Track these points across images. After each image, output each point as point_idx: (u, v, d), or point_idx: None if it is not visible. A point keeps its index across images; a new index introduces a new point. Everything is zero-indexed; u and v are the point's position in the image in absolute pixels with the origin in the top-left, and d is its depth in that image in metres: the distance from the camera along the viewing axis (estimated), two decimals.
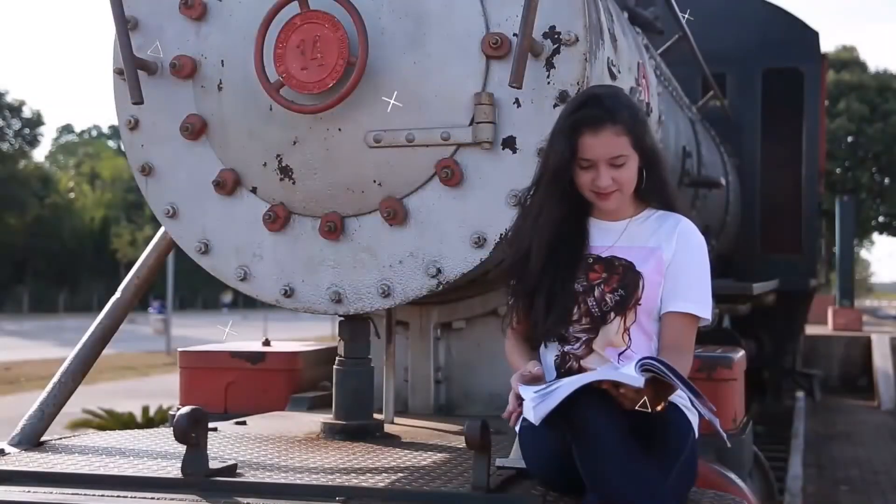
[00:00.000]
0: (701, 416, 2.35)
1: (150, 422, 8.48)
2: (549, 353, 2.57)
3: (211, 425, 2.96)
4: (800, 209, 9.65)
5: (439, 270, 3.16)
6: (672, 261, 2.53)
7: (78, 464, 2.88)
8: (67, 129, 75.21)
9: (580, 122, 2.47)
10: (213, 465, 2.69)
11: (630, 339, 2.50)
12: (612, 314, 2.50)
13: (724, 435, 2.30)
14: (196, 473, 2.65)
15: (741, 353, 3.75)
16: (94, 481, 2.70)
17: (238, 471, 2.74)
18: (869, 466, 9.14)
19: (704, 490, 2.66)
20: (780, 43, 9.26)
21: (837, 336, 16.68)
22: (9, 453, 3.07)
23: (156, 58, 3.41)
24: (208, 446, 2.71)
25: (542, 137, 2.91)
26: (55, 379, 3.42)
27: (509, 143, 3.06)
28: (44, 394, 3.38)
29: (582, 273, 2.53)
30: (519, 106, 3.05)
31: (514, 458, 2.66)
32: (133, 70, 3.29)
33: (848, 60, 36.50)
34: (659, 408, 2.30)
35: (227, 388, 4.22)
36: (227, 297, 51.40)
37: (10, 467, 2.84)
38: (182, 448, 2.66)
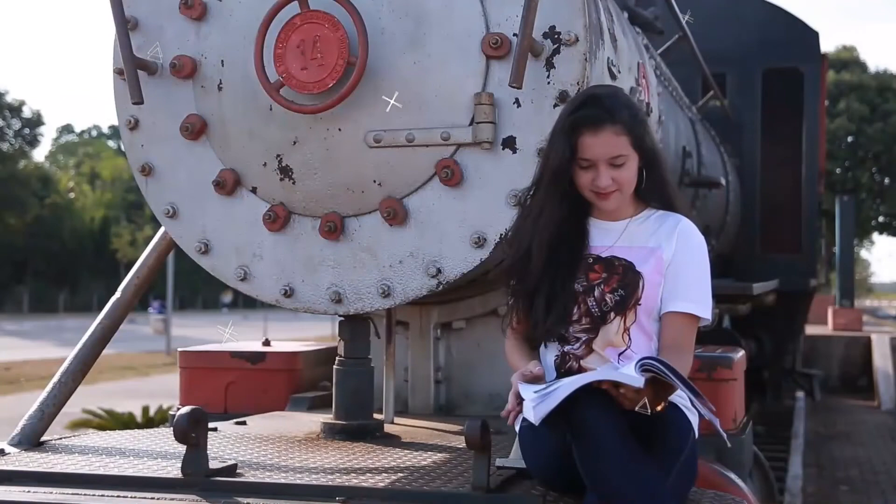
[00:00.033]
0: (701, 416, 2.35)
1: (150, 422, 8.48)
2: (549, 353, 2.57)
3: (211, 425, 2.96)
4: (800, 209, 9.65)
5: (439, 270, 3.16)
6: (672, 261, 2.53)
7: (78, 464, 2.88)
8: (67, 129, 75.31)
9: (580, 122, 2.47)
10: (213, 465, 2.69)
11: (630, 339, 2.50)
12: (612, 314, 2.50)
13: (724, 435, 2.31)
14: (196, 473, 2.65)
15: (741, 353, 3.75)
16: (94, 481, 2.70)
17: (238, 471, 2.74)
18: (869, 466, 9.14)
19: (704, 490, 2.66)
20: (780, 43, 9.26)
21: (837, 336, 16.67)
22: (9, 453, 3.07)
23: (156, 58, 3.42)
24: (208, 446, 2.71)
25: (542, 137, 2.91)
26: (55, 379, 3.42)
27: (509, 143, 3.06)
28: (44, 394, 3.38)
29: (582, 273, 2.53)
30: (519, 106, 3.05)
31: (514, 458, 2.66)
32: (133, 70, 3.29)
33: (848, 60, 36.52)
34: (659, 408, 2.30)
35: (227, 388, 4.22)
36: (227, 297, 51.46)
37: (10, 467, 2.84)
38: (182, 448, 2.66)
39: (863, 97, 34.90)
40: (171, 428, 2.72)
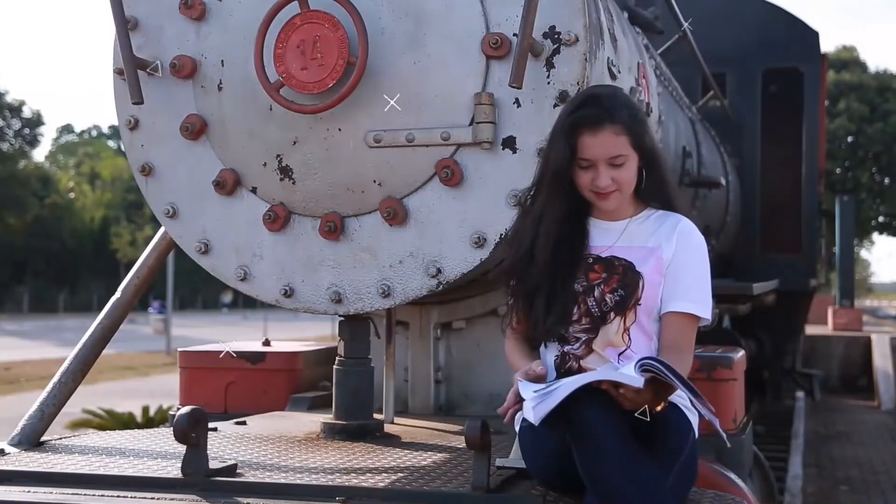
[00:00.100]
0: (701, 416, 2.35)
1: (150, 422, 8.48)
2: (549, 354, 2.57)
3: (211, 425, 2.96)
4: (800, 209, 9.66)
5: (439, 270, 3.16)
6: (672, 261, 2.53)
7: (78, 464, 2.88)
8: (67, 129, 75.28)
9: (579, 122, 2.47)
10: (213, 465, 2.69)
11: (630, 339, 2.50)
12: (612, 314, 2.50)
13: (724, 435, 2.30)
14: (196, 473, 2.65)
15: (741, 353, 3.74)
16: (94, 481, 2.70)
17: (238, 471, 2.74)
18: (869, 466, 9.14)
19: (704, 490, 2.66)
20: (780, 43, 9.26)
21: (837, 336, 16.67)
22: (9, 453, 3.07)
23: (156, 58, 3.42)
24: (208, 446, 2.71)
25: (542, 137, 2.91)
26: (55, 379, 3.42)
27: (509, 143, 3.06)
28: (44, 394, 3.38)
29: (582, 273, 2.53)
30: (519, 106, 3.06)
31: (514, 458, 2.66)
32: (133, 70, 3.29)
33: (848, 60, 36.53)
34: (658, 408, 2.30)
35: (227, 388, 4.22)
36: (227, 297, 51.45)
37: (10, 467, 2.84)
38: (182, 448, 2.66)
39: (863, 97, 34.91)
40: (171, 428, 2.72)
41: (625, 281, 2.51)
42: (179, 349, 4.47)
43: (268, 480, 2.66)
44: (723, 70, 8.67)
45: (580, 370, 2.48)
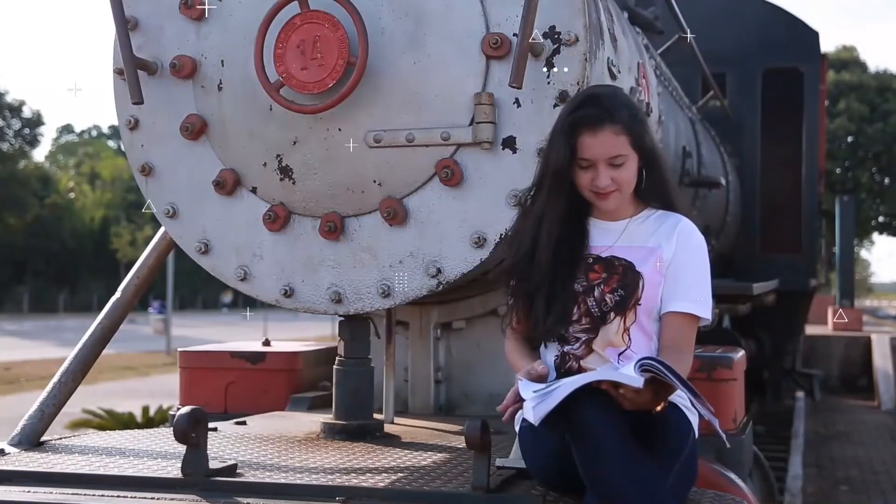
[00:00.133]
0: (701, 415, 2.35)
1: (150, 422, 8.47)
2: (549, 354, 2.57)
3: (211, 425, 2.96)
4: (799, 209, 9.66)
5: (439, 270, 3.16)
6: (672, 260, 2.53)
7: (78, 464, 2.88)
8: (67, 129, 75.25)
9: (579, 122, 2.47)
10: (213, 465, 2.69)
11: (630, 339, 2.50)
12: (612, 314, 2.50)
13: (724, 436, 2.30)
14: (196, 473, 2.65)
15: (741, 353, 3.74)
16: (94, 481, 2.70)
17: (238, 471, 2.74)
18: (869, 466, 9.14)
19: (704, 490, 2.66)
20: (780, 43, 9.27)
21: (837, 336, 16.66)
22: (9, 453, 3.07)
23: (156, 58, 3.42)
24: (208, 446, 2.71)
25: (542, 137, 2.91)
26: (55, 379, 3.42)
27: (509, 143, 3.06)
28: (44, 394, 3.38)
29: (582, 273, 2.53)
30: (519, 106, 3.06)
31: (514, 458, 2.66)
32: (133, 70, 3.29)
33: (848, 60, 36.53)
34: (658, 408, 2.30)
35: (227, 388, 4.22)
36: (227, 297, 51.45)
37: (10, 467, 2.84)
38: (182, 448, 2.66)
39: (863, 97, 34.91)
40: (171, 428, 2.72)
41: (625, 281, 2.51)
42: (179, 349, 4.47)
43: (268, 480, 2.66)
44: (723, 70, 8.67)
45: (580, 370, 2.48)
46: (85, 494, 2.61)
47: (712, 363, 3.45)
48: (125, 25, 3.30)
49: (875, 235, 42.36)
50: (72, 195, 59.17)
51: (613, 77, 3.36)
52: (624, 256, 2.53)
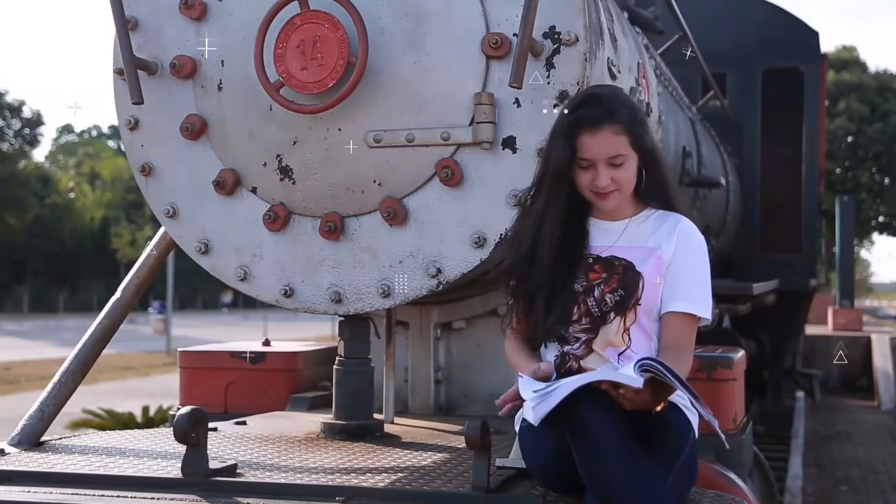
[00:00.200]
0: (701, 415, 2.35)
1: (150, 422, 8.48)
2: (549, 354, 2.57)
3: (211, 425, 2.96)
4: (800, 209, 9.66)
5: (439, 270, 3.16)
6: (672, 260, 2.53)
7: (78, 464, 2.88)
8: (67, 129, 75.22)
9: (579, 122, 2.47)
10: (213, 465, 2.69)
11: (630, 339, 2.50)
12: (612, 314, 2.50)
13: (724, 436, 2.30)
14: (196, 473, 2.65)
15: (741, 353, 3.74)
16: (94, 481, 2.70)
17: (238, 471, 2.74)
18: (869, 466, 9.14)
19: (704, 490, 2.66)
20: (780, 43, 9.26)
21: (837, 336, 16.66)
22: (9, 453, 3.07)
23: (156, 58, 3.42)
24: (208, 446, 2.71)
25: (542, 137, 2.91)
26: (55, 379, 3.42)
27: (509, 143, 3.06)
28: (44, 394, 3.38)
29: (582, 273, 2.53)
30: (519, 106, 3.06)
31: (514, 458, 2.66)
32: (133, 70, 3.29)
33: (848, 60, 36.53)
34: (658, 408, 2.30)
35: (227, 388, 4.22)
36: (227, 297, 51.46)
37: (10, 467, 2.84)
38: (182, 448, 2.66)
39: (863, 97, 34.91)
40: (171, 428, 2.72)
41: (625, 281, 2.51)
42: (179, 349, 4.47)
43: (268, 480, 2.66)
44: (723, 70, 8.67)
45: (580, 370, 2.47)
46: (85, 494, 2.61)
47: (712, 363, 3.45)
48: (125, 25, 3.30)
49: (875, 235, 42.38)
50: (72, 195, 59.16)
51: (613, 77, 3.36)
52: (624, 256, 2.53)
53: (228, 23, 3.35)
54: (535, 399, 2.25)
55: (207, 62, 3.37)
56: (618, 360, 2.47)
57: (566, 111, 2.54)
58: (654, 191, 2.61)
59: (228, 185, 3.37)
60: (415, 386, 3.96)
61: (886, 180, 37.10)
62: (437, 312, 3.95)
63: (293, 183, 3.28)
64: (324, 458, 2.95)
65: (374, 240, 3.24)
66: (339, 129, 3.19)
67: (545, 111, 3.01)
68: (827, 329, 18.23)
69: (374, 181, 3.20)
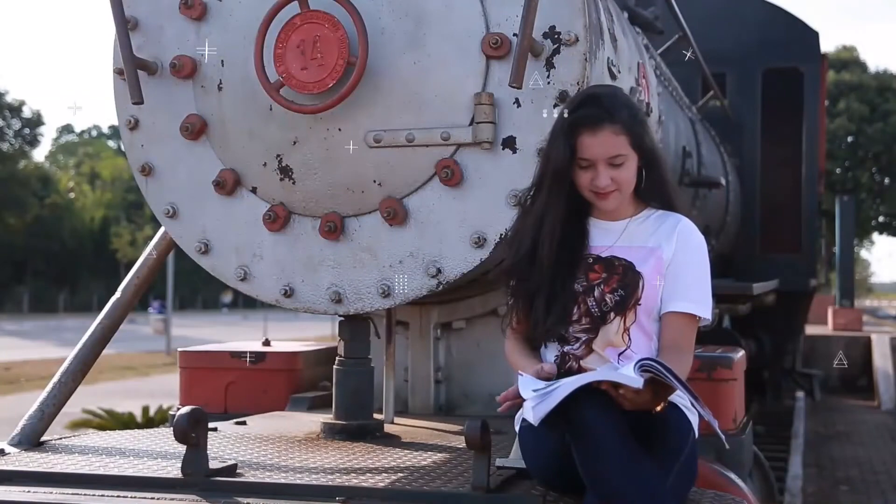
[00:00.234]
0: (701, 415, 2.35)
1: (150, 422, 8.48)
2: (549, 354, 2.57)
3: (211, 425, 2.96)
4: (799, 209, 9.66)
5: (439, 270, 3.16)
6: (672, 260, 2.53)
7: (78, 464, 2.88)
8: (67, 129, 75.19)
9: (578, 122, 2.47)
10: (213, 465, 2.69)
11: (630, 339, 2.50)
12: (612, 314, 2.50)
13: (724, 436, 2.30)
14: (196, 473, 2.65)
15: (741, 353, 3.74)
16: (94, 481, 2.70)
17: (238, 471, 2.74)
18: (869, 466, 9.14)
19: (704, 490, 2.66)
20: (780, 43, 9.26)
21: (837, 336, 16.66)
22: (9, 453, 3.07)
23: (156, 58, 3.42)
24: (208, 446, 2.71)
25: (542, 137, 2.91)
26: (55, 379, 3.42)
27: (509, 143, 3.06)
28: (44, 394, 3.38)
29: (582, 273, 2.53)
30: (519, 106, 3.06)
31: (514, 458, 2.66)
32: (133, 70, 3.29)
33: (848, 60, 36.52)
34: (658, 408, 2.30)
35: (227, 388, 4.22)
36: (227, 297, 51.46)
37: (10, 467, 2.84)
38: (182, 448, 2.66)
39: (863, 97, 34.91)
40: (171, 428, 2.72)
41: (625, 281, 2.51)
42: (179, 349, 4.47)
43: (268, 480, 2.66)
44: (723, 70, 8.67)
45: (580, 370, 2.47)
46: (85, 494, 2.61)
47: (712, 363, 3.45)
48: (125, 25, 3.30)
49: (875, 235, 42.37)
50: (72, 195, 59.14)
51: (613, 77, 3.36)
52: (624, 256, 2.53)
53: (228, 23, 3.35)
54: (535, 399, 2.25)
55: (207, 62, 3.37)
56: (618, 360, 2.47)
57: (566, 111, 2.54)
58: (654, 191, 2.61)
59: (228, 185, 3.37)
60: (415, 386, 3.96)
61: (886, 180, 37.10)
62: (437, 312, 3.95)
63: (293, 183, 3.28)
64: (324, 458, 2.95)
65: (374, 240, 3.24)
66: (339, 129, 3.19)
67: (545, 111, 3.01)
68: (827, 329, 18.22)
69: (374, 181, 3.20)
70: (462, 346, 3.97)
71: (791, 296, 9.25)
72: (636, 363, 2.21)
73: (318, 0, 3.07)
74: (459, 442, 3.00)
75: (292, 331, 22.09)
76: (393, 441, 3.30)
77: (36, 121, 51.63)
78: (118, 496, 2.57)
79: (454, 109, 3.10)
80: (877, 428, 11.73)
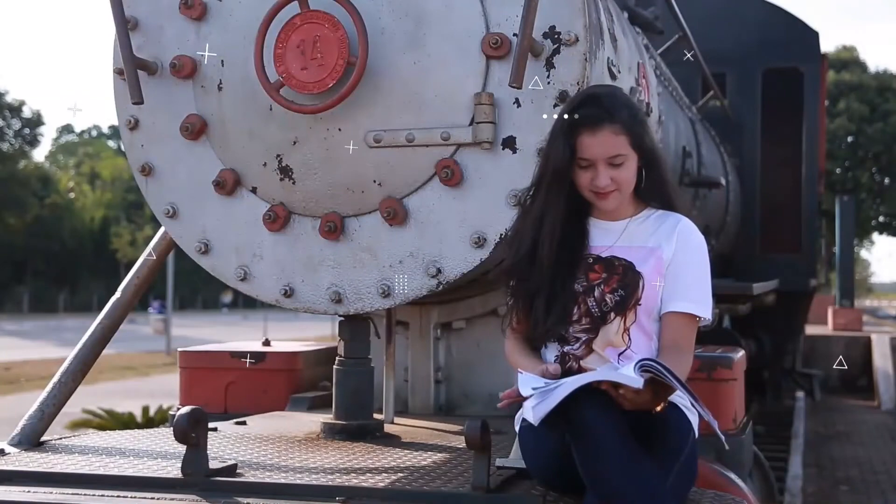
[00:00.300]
0: (700, 416, 2.35)
1: (150, 422, 8.47)
2: (549, 354, 2.57)
3: (211, 425, 2.96)
4: (799, 209, 9.66)
5: (439, 270, 3.16)
6: (672, 260, 2.53)
7: (78, 464, 2.88)
8: (67, 129, 75.21)
9: (578, 122, 2.47)
10: (213, 465, 2.69)
11: (630, 339, 2.50)
12: (612, 314, 2.50)
13: (723, 436, 2.30)
14: (196, 473, 2.65)
15: (741, 353, 3.74)
16: (94, 481, 2.70)
17: (238, 471, 2.74)
18: (869, 466, 9.14)
19: (704, 490, 2.66)
20: (780, 43, 9.27)
21: (837, 336, 16.66)
22: (9, 453, 3.07)
23: (156, 58, 3.42)
24: (208, 446, 2.71)
25: (542, 137, 2.90)
26: (55, 379, 3.42)
27: (509, 142, 3.06)
28: (44, 394, 3.38)
29: (582, 273, 2.53)
30: (519, 106, 3.05)
31: (514, 458, 2.66)
32: (133, 70, 3.29)
33: (848, 60, 36.52)
34: (658, 408, 2.30)
35: (227, 388, 4.22)
36: (227, 297, 51.48)
37: (10, 467, 2.84)
38: (182, 448, 2.66)
39: (863, 97, 34.91)
40: (171, 428, 2.72)
41: (625, 281, 2.51)
42: (179, 349, 4.47)
43: (268, 480, 2.66)
44: (723, 70, 8.67)
45: (580, 370, 2.47)
46: (85, 494, 2.61)
47: (712, 363, 3.45)
48: (125, 25, 3.30)
49: (875, 235, 42.37)
50: (72, 195, 59.16)
51: (613, 77, 3.36)
52: (624, 256, 2.53)
53: (228, 23, 3.35)
54: (535, 399, 2.25)
55: (207, 62, 3.37)
56: (618, 360, 2.47)
57: (566, 111, 2.54)
58: (654, 191, 2.61)
59: (228, 185, 3.37)
60: (415, 386, 3.96)
61: (886, 180, 37.10)
62: (437, 312, 3.95)
63: (293, 183, 3.28)
64: (324, 458, 2.95)
65: (374, 240, 3.24)
66: (339, 129, 3.19)
67: (545, 111, 3.01)
68: (827, 329, 18.22)
69: (374, 181, 3.20)
70: (462, 346, 3.97)
71: (791, 296, 9.25)
72: (636, 363, 2.21)
73: (318, 0, 3.07)
74: (459, 442, 3.00)
75: (292, 331, 22.10)
76: (393, 441, 3.30)
77: (36, 121, 51.65)
78: (118, 496, 2.57)
79: (454, 109, 3.10)
80: (877, 428, 11.73)
